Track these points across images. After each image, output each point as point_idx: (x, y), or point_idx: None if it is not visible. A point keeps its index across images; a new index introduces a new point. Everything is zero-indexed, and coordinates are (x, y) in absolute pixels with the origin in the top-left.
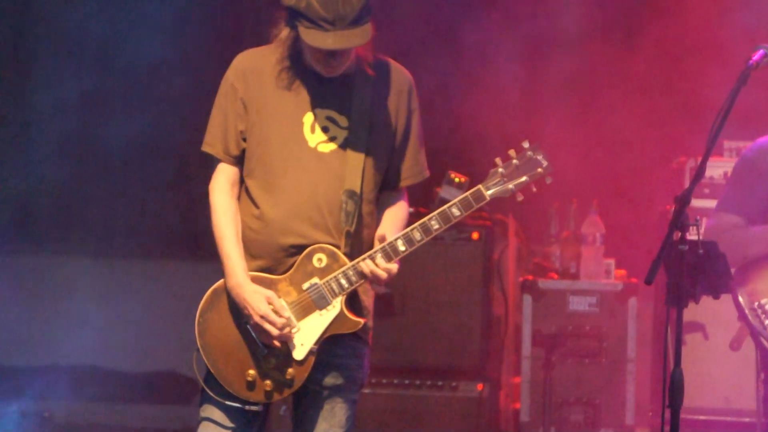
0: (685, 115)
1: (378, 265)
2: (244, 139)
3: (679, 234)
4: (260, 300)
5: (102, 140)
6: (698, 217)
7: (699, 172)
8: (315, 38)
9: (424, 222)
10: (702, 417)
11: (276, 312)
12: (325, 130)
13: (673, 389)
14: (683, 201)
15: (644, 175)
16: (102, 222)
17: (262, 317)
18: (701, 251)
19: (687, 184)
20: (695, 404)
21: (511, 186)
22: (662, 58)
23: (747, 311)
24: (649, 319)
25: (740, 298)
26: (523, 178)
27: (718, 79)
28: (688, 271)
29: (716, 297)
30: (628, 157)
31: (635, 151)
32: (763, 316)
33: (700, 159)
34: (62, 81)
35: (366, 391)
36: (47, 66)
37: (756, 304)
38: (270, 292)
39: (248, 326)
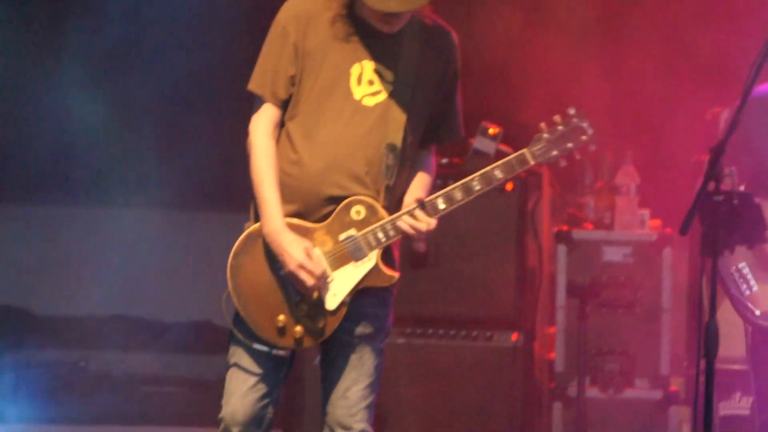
0: (720, 65)
1: (418, 220)
2: (293, 84)
3: (714, 184)
4: (298, 249)
5: (138, 89)
6: (733, 168)
7: (734, 123)
8: (377, 1)
9: (466, 182)
10: (736, 366)
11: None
12: (371, 83)
13: (708, 339)
14: (718, 151)
15: (679, 125)
16: (137, 172)
17: (299, 266)
18: (736, 201)
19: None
20: (730, 354)
21: (555, 152)
22: (699, 6)
23: (724, 275)
24: (683, 270)
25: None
26: (568, 145)
27: (754, 29)
28: (723, 221)
29: (750, 247)
30: (663, 107)
31: (670, 101)
32: (741, 280)
33: (734, 110)
34: (98, 29)
35: (400, 341)
36: (82, 15)
37: (733, 268)
38: (308, 243)
39: (281, 273)
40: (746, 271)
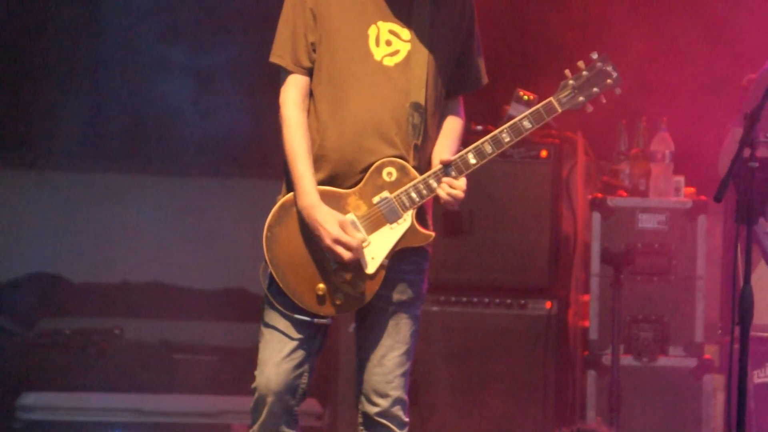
0: (755, 32)
1: (449, 182)
2: (314, 51)
3: (750, 151)
4: (333, 223)
5: (172, 61)
6: None
7: None
8: None
9: (495, 135)
10: None
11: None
12: (388, 43)
13: (742, 307)
14: (754, 118)
15: (714, 92)
16: (173, 140)
17: (334, 240)
18: None
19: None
20: (764, 321)
21: (581, 98)
22: None
23: (762, 235)
24: (718, 237)
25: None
26: (594, 90)
27: None
28: (758, 188)
29: None
30: (697, 73)
31: (705, 68)
32: None
33: None
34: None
35: (434, 309)
36: None
37: None
38: (343, 217)
39: (318, 242)
40: None
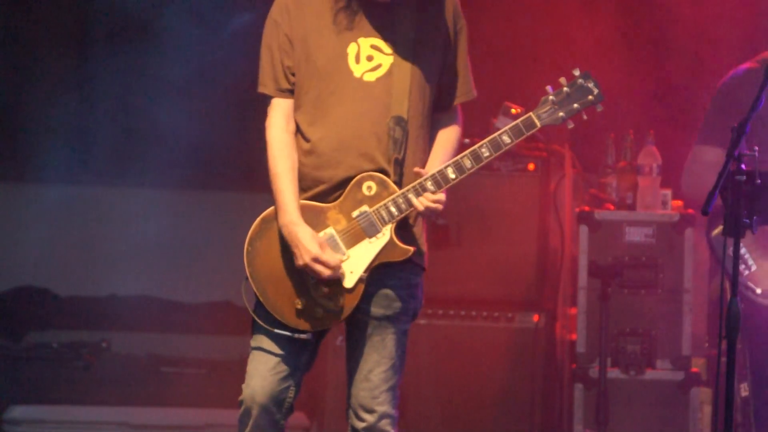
0: (743, 44)
1: (427, 196)
2: (293, 74)
3: (736, 164)
4: (312, 241)
5: (160, 73)
6: (755, 147)
7: (756, 102)
8: None
9: (474, 149)
10: None
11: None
12: (369, 58)
13: (729, 320)
14: (740, 131)
15: (701, 105)
16: (159, 153)
17: (313, 259)
18: (758, 181)
19: None
20: None
21: (561, 114)
22: None
23: (720, 256)
24: (705, 250)
25: (714, 242)
26: (574, 106)
27: None
28: (745, 201)
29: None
30: (685, 87)
31: (692, 81)
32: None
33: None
34: (122, 8)
35: (421, 322)
36: None
37: (730, 249)
38: (322, 239)
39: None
40: (743, 251)
